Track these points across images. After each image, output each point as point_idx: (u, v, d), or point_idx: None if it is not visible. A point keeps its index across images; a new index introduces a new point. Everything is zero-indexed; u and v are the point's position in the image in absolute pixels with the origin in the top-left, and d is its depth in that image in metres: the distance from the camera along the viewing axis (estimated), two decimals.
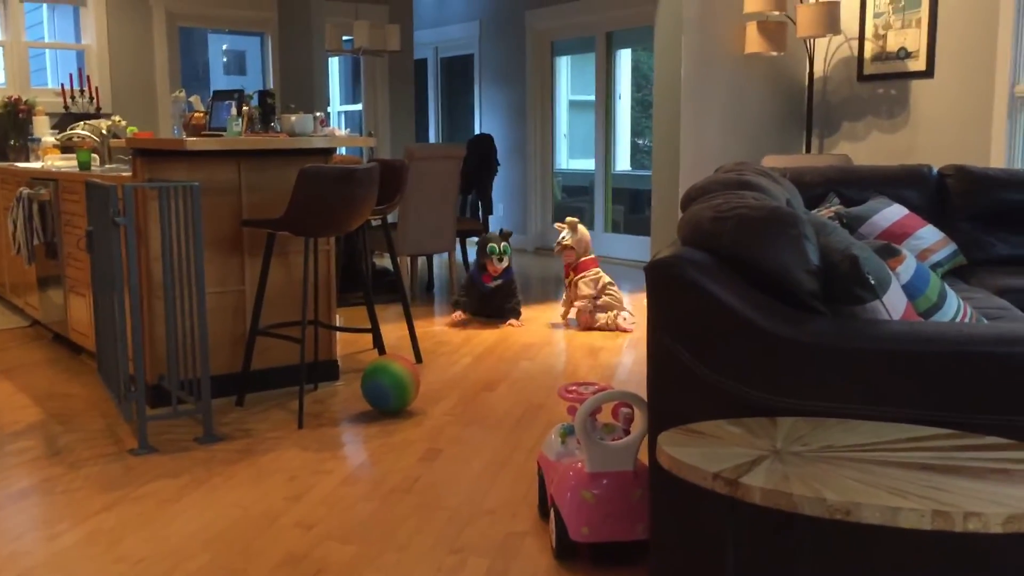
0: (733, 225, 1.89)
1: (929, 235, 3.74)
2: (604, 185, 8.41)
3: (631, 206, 8.48)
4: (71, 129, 5.41)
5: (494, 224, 9.48)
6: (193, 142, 3.52)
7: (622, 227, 8.45)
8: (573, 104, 9.08)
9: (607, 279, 5.35)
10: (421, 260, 7.56)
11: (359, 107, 9.24)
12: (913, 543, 1.69)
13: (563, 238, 5.35)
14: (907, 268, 2.06)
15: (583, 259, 5.33)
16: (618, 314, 5.24)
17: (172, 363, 3.49)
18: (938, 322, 1.76)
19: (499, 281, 5.43)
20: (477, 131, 9.60)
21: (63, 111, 6.95)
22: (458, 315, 5.48)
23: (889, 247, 2.08)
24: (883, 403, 1.67)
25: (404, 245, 6.00)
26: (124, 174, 3.95)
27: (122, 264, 3.34)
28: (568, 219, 5.34)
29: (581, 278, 5.30)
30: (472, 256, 6.01)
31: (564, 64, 8.99)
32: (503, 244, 5.33)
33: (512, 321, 5.40)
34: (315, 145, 3.87)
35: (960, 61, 5.38)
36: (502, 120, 9.34)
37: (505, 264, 5.37)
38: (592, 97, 8.45)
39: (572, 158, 9.10)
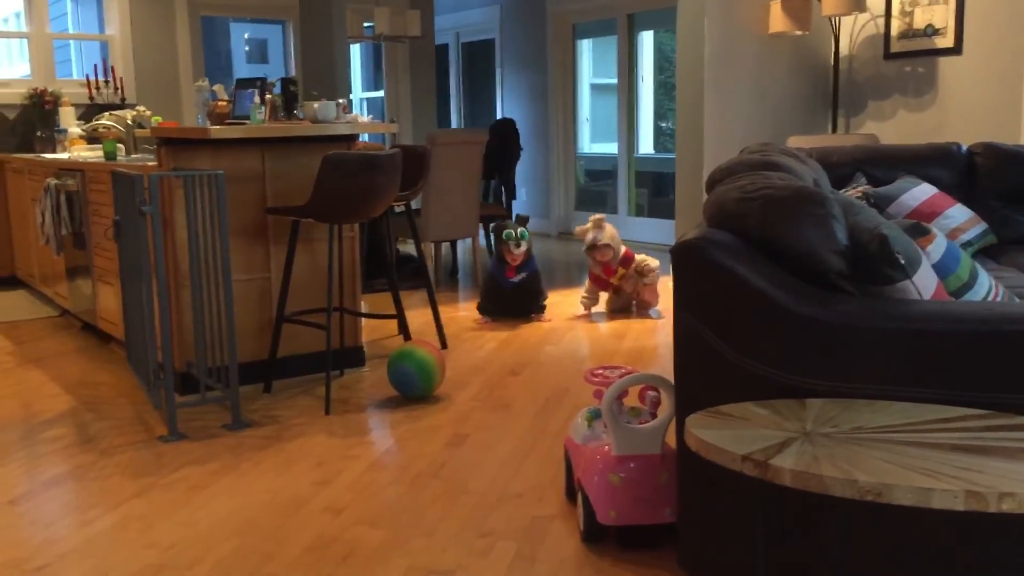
0: (759, 206, 1.87)
1: (959, 214, 3.69)
2: (627, 168, 8.37)
3: (655, 189, 8.43)
4: (96, 120, 5.45)
5: (517, 209, 9.47)
6: (217, 130, 3.54)
7: (646, 211, 8.41)
8: (595, 87, 9.03)
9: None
10: (445, 246, 7.57)
11: (381, 94, 9.24)
12: (943, 526, 1.67)
13: (596, 238, 4.94)
14: (937, 247, 2.04)
15: (624, 254, 5.03)
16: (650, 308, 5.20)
17: (200, 350, 3.52)
18: (969, 301, 1.74)
19: (523, 274, 4.97)
20: (499, 116, 9.58)
21: (88, 102, 7.01)
22: (483, 319, 5.09)
23: (919, 226, 2.06)
24: (914, 384, 1.66)
25: (428, 231, 6.00)
26: (150, 164, 3.97)
27: (149, 253, 3.37)
28: (593, 217, 4.99)
29: (636, 268, 5.03)
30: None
31: (586, 47, 8.94)
32: (520, 229, 4.95)
33: (535, 316, 5.11)
34: (338, 131, 3.88)
35: (989, 38, 5.30)
36: (524, 104, 9.31)
37: (524, 249, 4.92)
38: (614, 80, 8.40)
39: (594, 142, 9.06)
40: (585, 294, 5.18)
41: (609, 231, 4.98)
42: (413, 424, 3.37)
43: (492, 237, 5.06)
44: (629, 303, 5.26)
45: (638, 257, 5.14)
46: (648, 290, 5.12)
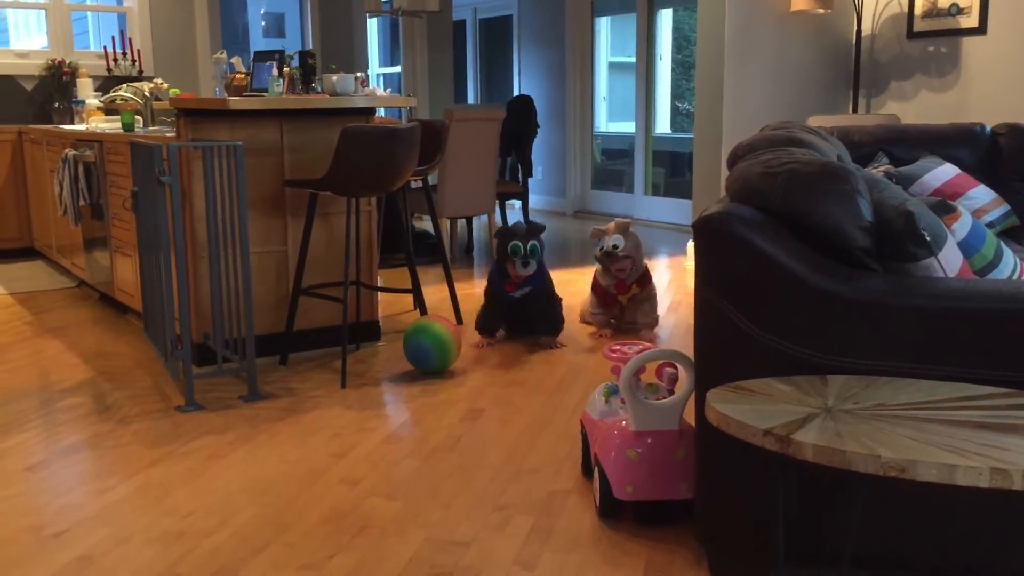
0: (784, 181, 1.86)
1: (981, 195, 3.65)
2: (644, 148, 8.32)
3: (671, 169, 8.39)
4: (114, 91, 5.45)
5: (533, 187, 9.42)
6: (236, 101, 3.53)
7: (662, 190, 8.37)
8: (613, 66, 8.97)
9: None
10: (461, 222, 7.55)
11: (398, 69, 9.21)
12: (966, 509, 1.66)
13: (614, 246, 4.00)
14: (963, 225, 2.02)
15: (644, 273, 4.18)
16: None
17: (217, 322, 3.53)
18: (995, 279, 1.72)
19: (526, 289, 3.99)
20: (516, 93, 9.53)
21: (106, 74, 7.01)
22: (483, 341, 4.08)
23: (944, 204, 2.03)
24: (937, 361, 1.64)
25: (444, 207, 5.99)
26: (168, 135, 3.97)
27: (167, 224, 3.37)
28: (618, 220, 4.04)
29: (648, 300, 4.20)
30: (511, 220, 5.79)
31: (604, 25, 8.88)
32: (531, 243, 3.86)
33: (545, 341, 4.05)
34: (356, 104, 3.86)
35: (1014, 17, 5.22)
36: (541, 82, 9.25)
37: (531, 271, 3.90)
38: (632, 59, 8.34)
39: (611, 121, 9.01)
40: (593, 310, 4.25)
41: (634, 240, 4.08)
42: (429, 398, 3.37)
43: (496, 244, 3.98)
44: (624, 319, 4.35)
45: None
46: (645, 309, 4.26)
